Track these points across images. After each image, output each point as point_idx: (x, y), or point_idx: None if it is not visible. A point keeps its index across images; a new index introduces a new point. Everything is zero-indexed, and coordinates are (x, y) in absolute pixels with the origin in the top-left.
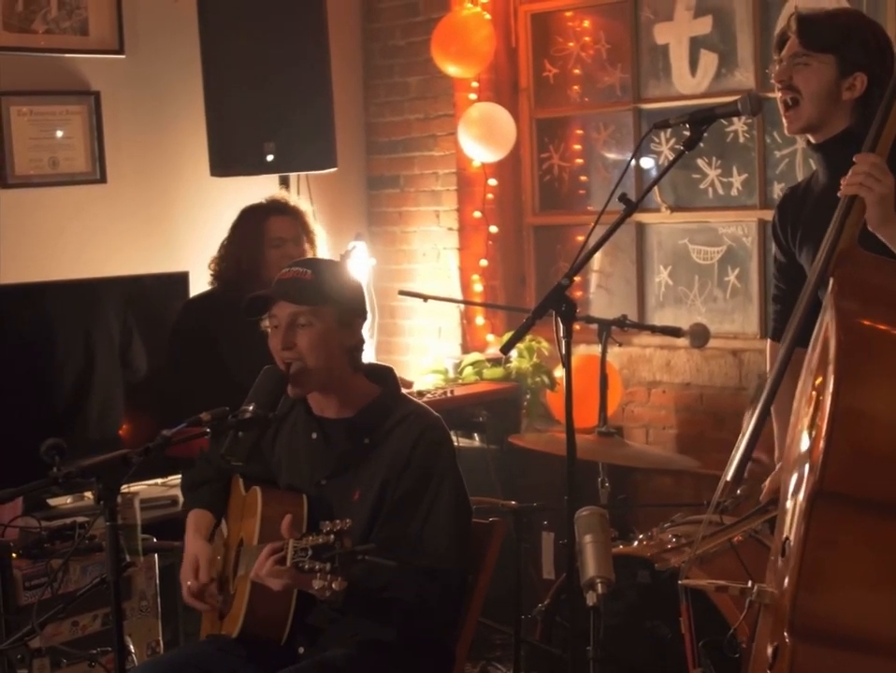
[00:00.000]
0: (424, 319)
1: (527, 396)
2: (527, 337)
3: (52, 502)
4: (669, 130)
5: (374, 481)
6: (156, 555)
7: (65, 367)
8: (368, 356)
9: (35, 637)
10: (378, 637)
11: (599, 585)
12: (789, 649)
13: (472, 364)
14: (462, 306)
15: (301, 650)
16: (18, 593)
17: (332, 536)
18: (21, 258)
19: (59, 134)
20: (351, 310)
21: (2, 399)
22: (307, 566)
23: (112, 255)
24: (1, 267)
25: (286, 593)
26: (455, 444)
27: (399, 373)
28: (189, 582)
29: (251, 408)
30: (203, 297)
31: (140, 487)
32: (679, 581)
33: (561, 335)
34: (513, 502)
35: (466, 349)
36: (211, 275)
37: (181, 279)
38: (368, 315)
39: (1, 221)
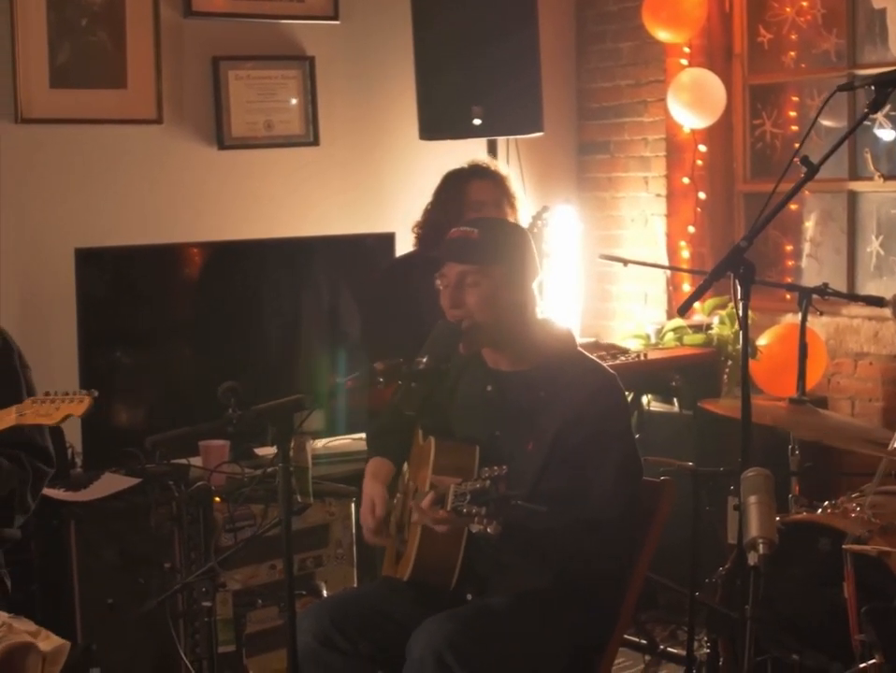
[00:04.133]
0: (631, 284)
1: (729, 364)
2: (730, 305)
3: (260, 452)
4: None
5: (547, 433)
6: (353, 505)
7: (276, 323)
8: (575, 320)
9: (215, 574)
10: (538, 587)
11: (761, 545)
12: None
13: (674, 329)
14: (668, 272)
15: (469, 596)
16: (218, 534)
17: (488, 482)
18: (235, 216)
19: (278, 97)
20: (519, 267)
21: (215, 352)
22: (465, 510)
23: (322, 215)
24: (217, 224)
25: (455, 539)
26: (647, 407)
27: (606, 338)
28: (368, 522)
29: (424, 359)
30: (404, 259)
31: (344, 441)
32: (843, 546)
33: (739, 297)
34: (690, 463)
35: (671, 315)
36: (414, 237)
37: (388, 240)
38: (540, 271)
39: (218, 181)
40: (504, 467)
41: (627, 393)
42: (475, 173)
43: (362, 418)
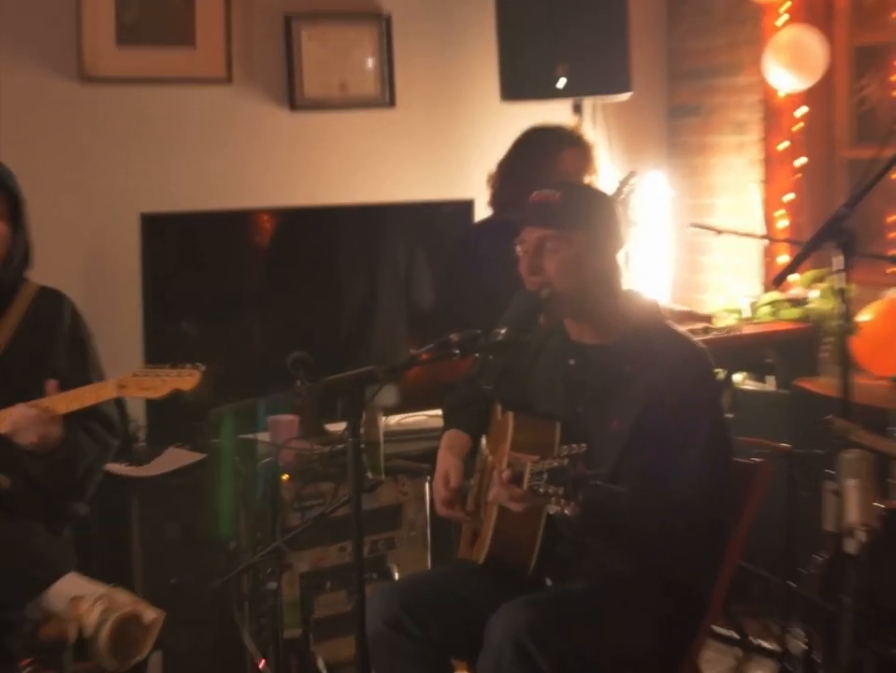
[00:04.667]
0: (724, 255)
1: (828, 340)
2: (829, 277)
3: (330, 427)
4: None
5: (633, 410)
6: (427, 484)
7: (349, 293)
8: (665, 292)
9: (281, 554)
10: (621, 572)
11: (861, 532)
12: None
13: (769, 303)
14: (764, 242)
15: (549, 581)
16: (285, 513)
17: (567, 460)
18: (307, 181)
19: (352, 57)
20: (602, 234)
21: (284, 322)
22: (542, 490)
23: (398, 181)
24: (288, 189)
25: (534, 520)
26: (741, 385)
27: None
28: (441, 492)
29: (503, 331)
30: (483, 224)
31: (420, 417)
32: None
33: (839, 268)
34: (786, 445)
35: (767, 287)
36: (491, 194)
37: (467, 207)
38: (624, 239)
39: (289, 144)
40: (584, 446)
41: (718, 370)
42: (569, 140)
43: (438, 392)
